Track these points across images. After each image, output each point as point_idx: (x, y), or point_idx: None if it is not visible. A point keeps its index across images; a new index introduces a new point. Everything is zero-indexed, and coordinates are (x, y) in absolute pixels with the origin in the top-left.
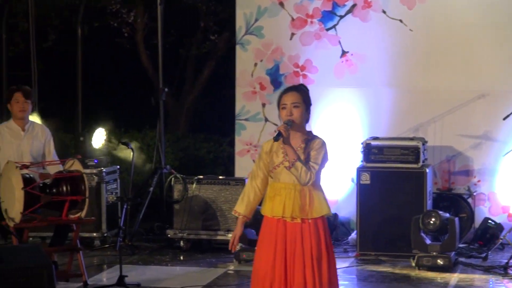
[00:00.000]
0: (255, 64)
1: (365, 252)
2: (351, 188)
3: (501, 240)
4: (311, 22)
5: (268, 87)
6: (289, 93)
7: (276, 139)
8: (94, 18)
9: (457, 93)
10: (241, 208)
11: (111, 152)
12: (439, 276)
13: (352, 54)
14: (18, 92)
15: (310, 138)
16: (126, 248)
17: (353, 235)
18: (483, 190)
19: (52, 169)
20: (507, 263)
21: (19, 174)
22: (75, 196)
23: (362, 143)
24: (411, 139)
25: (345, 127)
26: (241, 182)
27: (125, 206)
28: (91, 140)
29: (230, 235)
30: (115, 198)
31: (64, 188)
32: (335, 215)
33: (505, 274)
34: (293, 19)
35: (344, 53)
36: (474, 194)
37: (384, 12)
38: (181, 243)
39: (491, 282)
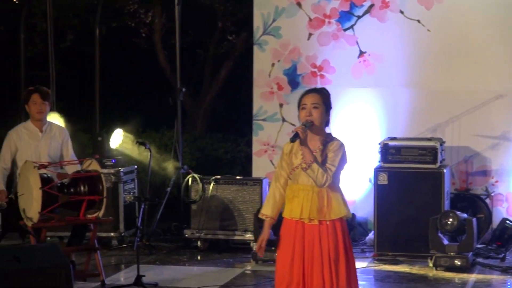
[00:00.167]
0: (273, 64)
1: (382, 252)
2: (368, 189)
3: None
4: (329, 22)
5: (286, 87)
6: (310, 94)
7: (293, 140)
8: (112, 18)
9: (475, 93)
10: (268, 210)
11: (125, 153)
12: (456, 277)
13: (369, 55)
14: (35, 94)
15: (328, 140)
16: (143, 248)
17: (371, 235)
18: (501, 190)
19: (71, 169)
20: None
21: (37, 173)
22: (93, 196)
23: (379, 144)
24: (429, 139)
25: (362, 127)
26: (259, 182)
27: (142, 206)
28: (108, 140)
29: (247, 235)
30: (132, 198)
31: (82, 188)
32: (353, 215)
33: None
34: (310, 19)
35: (361, 53)
36: (492, 194)
37: (401, 12)
38: (199, 243)
39: (509, 283)
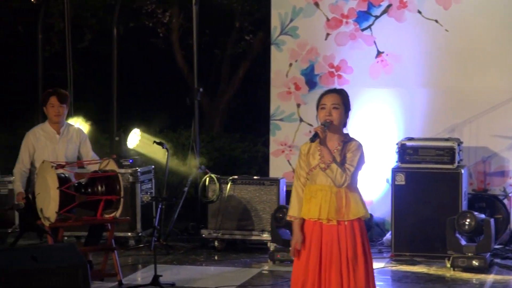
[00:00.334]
0: (290, 64)
1: (400, 252)
2: (386, 189)
3: None
4: (346, 22)
5: (303, 87)
6: (330, 94)
7: (312, 139)
8: (130, 18)
9: (493, 93)
10: (294, 211)
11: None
12: (474, 277)
13: (387, 55)
14: (53, 96)
15: (346, 140)
16: (160, 248)
17: (388, 235)
18: None
19: (93, 168)
20: None
21: (54, 173)
22: (110, 196)
23: (397, 144)
24: (446, 139)
25: (380, 127)
26: (276, 182)
27: (159, 206)
28: (126, 140)
29: (265, 235)
30: (149, 198)
31: (99, 188)
32: (370, 215)
33: None
34: (328, 19)
35: (379, 53)
36: (510, 195)
37: (419, 12)
38: (216, 243)
39: None
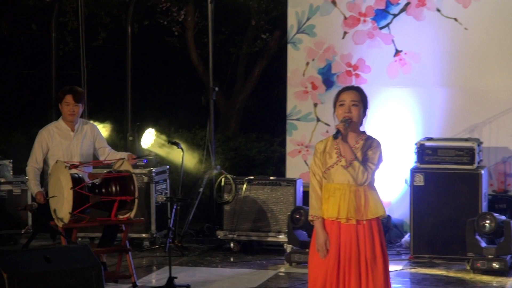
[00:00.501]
0: (307, 63)
1: (418, 255)
2: (404, 190)
3: None
4: (364, 20)
5: (320, 86)
6: (349, 91)
7: (335, 136)
8: (144, 16)
9: None
10: (315, 210)
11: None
12: (494, 280)
13: (405, 53)
14: (69, 95)
15: (365, 138)
16: (175, 249)
17: (407, 237)
18: None
19: (113, 156)
20: None
21: (68, 173)
22: (124, 196)
23: (416, 144)
24: (466, 140)
25: (398, 127)
26: (292, 183)
27: (174, 207)
28: (140, 139)
29: (281, 236)
30: (164, 198)
31: (113, 188)
32: (388, 217)
33: None
34: (345, 18)
35: (397, 52)
36: None
37: (438, 10)
38: (231, 244)
39: None
